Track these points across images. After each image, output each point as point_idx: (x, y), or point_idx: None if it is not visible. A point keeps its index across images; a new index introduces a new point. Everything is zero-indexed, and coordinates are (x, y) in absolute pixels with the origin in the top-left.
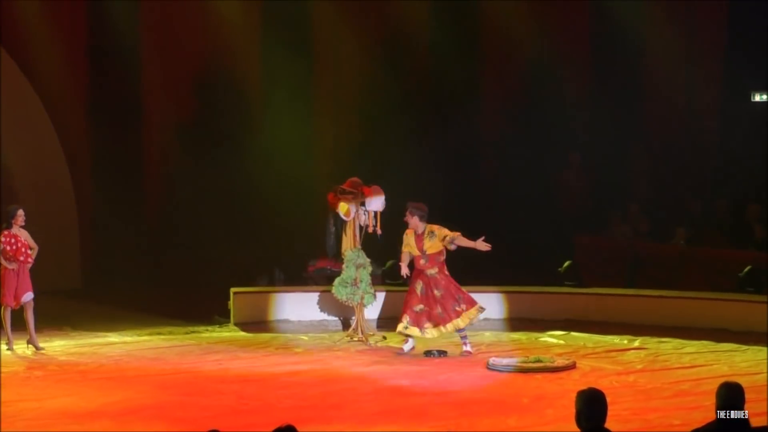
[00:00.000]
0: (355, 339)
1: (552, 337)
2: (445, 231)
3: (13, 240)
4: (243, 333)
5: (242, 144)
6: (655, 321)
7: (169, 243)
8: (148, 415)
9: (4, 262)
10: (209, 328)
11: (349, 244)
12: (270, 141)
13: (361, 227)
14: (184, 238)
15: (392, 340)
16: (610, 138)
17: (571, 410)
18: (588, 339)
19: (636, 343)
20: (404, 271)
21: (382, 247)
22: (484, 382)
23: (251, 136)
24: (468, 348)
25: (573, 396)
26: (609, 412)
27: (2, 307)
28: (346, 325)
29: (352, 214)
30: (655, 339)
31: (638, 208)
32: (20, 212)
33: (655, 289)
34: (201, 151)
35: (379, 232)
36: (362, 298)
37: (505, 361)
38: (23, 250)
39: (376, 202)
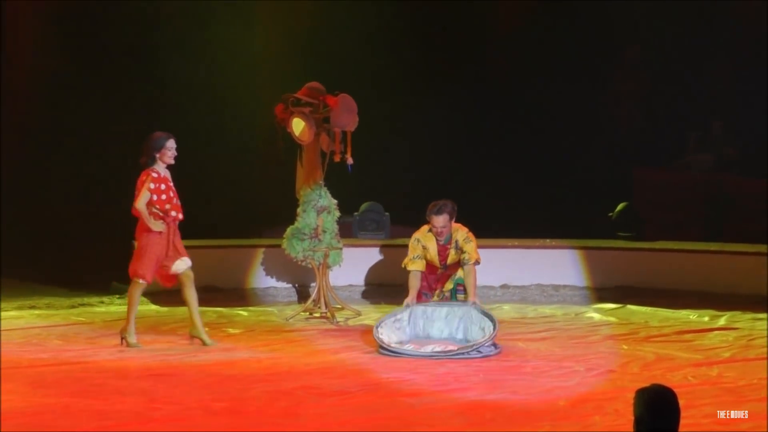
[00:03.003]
0: (317, 315)
1: (599, 312)
2: (472, 246)
3: (163, 186)
4: (154, 306)
5: (159, 36)
6: (749, 289)
7: (45, 184)
8: (18, 425)
9: (149, 221)
10: (105, 299)
11: (308, 179)
12: (197, 40)
13: (324, 154)
14: (68, 176)
15: (369, 317)
16: (684, 27)
17: (628, 417)
18: (651, 315)
19: (721, 321)
20: (411, 299)
21: (354, 181)
22: (501, 377)
23: (172, 27)
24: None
25: (630, 397)
26: (682, 420)
27: (132, 283)
28: (303, 295)
29: (311, 136)
30: (749, 315)
31: (724, 127)
32: (170, 143)
33: (749, 244)
34: (93, 49)
35: (349, 160)
36: (326, 256)
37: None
38: (175, 200)
39: (346, 118)
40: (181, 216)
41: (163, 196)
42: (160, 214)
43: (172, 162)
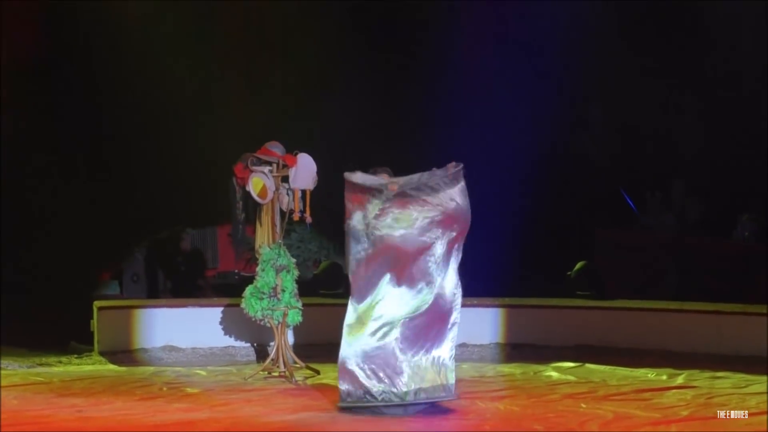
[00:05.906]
0: (276, 374)
1: (558, 371)
2: None
3: None
4: (112, 366)
5: (112, 92)
6: (708, 348)
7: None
8: None
9: None
10: (63, 359)
11: (266, 238)
12: (152, 90)
13: (283, 213)
14: (23, 227)
15: (328, 376)
16: (647, 87)
17: None
18: (610, 373)
19: (680, 380)
20: None
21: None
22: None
23: (123, 79)
24: None
25: None
26: None
27: None
28: (261, 354)
29: (270, 194)
30: (707, 373)
31: (685, 187)
32: None
33: (709, 302)
34: (48, 100)
35: (308, 219)
36: (285, 315)
37: None
38: None
39: (304, 177)
40: None
41: None
42: None
43: None
